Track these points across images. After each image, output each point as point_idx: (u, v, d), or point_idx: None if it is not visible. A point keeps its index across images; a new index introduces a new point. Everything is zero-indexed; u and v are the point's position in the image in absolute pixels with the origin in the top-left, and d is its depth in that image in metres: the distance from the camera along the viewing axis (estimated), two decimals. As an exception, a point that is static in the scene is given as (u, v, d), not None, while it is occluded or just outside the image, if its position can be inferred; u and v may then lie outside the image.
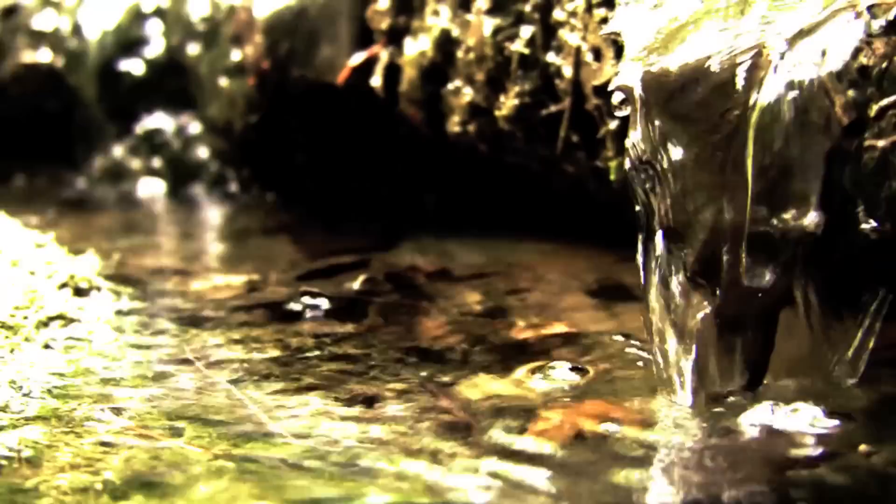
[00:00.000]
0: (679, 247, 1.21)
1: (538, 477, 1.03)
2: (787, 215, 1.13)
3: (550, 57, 1.82)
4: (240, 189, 2.83)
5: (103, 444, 1.12)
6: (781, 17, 1.19)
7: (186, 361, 1.41)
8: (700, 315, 1.19)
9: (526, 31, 1.86)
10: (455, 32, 2.01)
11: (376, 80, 2.27)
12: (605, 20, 1.65)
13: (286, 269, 1.97)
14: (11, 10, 3.14)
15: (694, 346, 1.20)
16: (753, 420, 1.14)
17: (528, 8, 1.85)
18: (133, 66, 2.91)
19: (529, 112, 1.90)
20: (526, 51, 1.86)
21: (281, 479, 1.03)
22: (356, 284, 1.79)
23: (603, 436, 1.14)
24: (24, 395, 1.25)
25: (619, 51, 1.57)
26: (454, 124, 2.08)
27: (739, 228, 1.15)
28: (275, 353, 1.45)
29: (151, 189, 2.92)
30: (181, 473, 1.04)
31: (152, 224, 2.60)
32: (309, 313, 1.64)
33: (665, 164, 1.20)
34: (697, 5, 1.25)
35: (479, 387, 1.31)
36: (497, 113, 1.96)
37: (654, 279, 1.28)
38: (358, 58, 2.31)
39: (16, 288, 1.50)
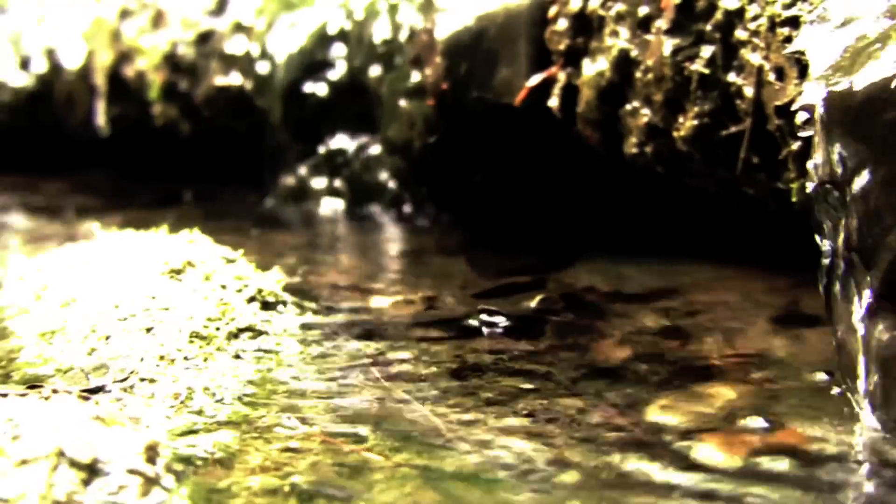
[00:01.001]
0: (865, 269, 1.18)
1: (726, 492, 1.03)
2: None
3: (731, 77, 1.80)
4: (417, 209, 2.88)
5: (290, 449, 1.16)
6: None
7: (368, 374, 1.44)
8: (886, 338, 1.16)
9: (706, 50, 1.84)
10: (634, 53, 2.01)
11: (553, 101, 2.28)
12: (788, 39, 1.62)
13: (462, 287, 1.99)
14: (206, 36, 3.28)
15: (881, 370, 1.18)
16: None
17: (709, 27, 1.83)
18: (317, 88, 3.00)
19: (709, 133, 1.89)
20: (706, 70, 1.84)
21: (461, 490, 1.05)
22: (532, 303, 1.81)
23: (788, 455, 1.13)
24: (217, 401, 1.30)
25: (802, 70, 1.55)
26: (631, 145, 2.07)
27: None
28: (453, 367, 1.48)
29: (332, 208, 3.00)
30: (364, 480, 1.08)
31: (333, 242, 2.66)
32: (486, 330, 1.67)
33: (851, 186, 1.18)
34: (887, 23, 1.23)
35: (657, 405, 1.30)
36: (675, 134, 1.95)
37: (839, 302, 1.25)
38: (536, 79, 2.33)
39: (209, 301, 1.57)
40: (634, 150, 2.06)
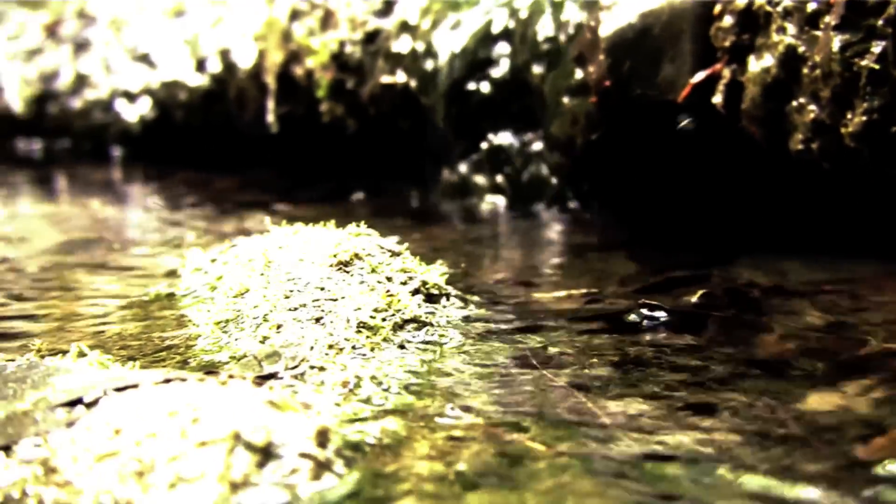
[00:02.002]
0: None
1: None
2: None
3: (904, 72, 1.76)
4: (579, 205, 2.88)
5: (454, 438, 1.19)
6: None
7: (530, 366, 1.46)
8: None
9: (877, 46, 1.80)
10: (801, 49, 1.98)
11: (717, 98, 2.26)
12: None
13: (623, 282, 1.99)
14: (373, 36, 3.34)
15: None
16: None
17: (880, 22, 1.79)
18: (481, 86, 3.03)
19: (878, 129, 1.84)
20: (876, 66, 1.80)
21: (621, 480, 1.06)
22: (693, 298, 1.80)
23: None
24: (384, 390, 1.34)
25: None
26: (797, 142, 2.04)
27: None
28: (614, 360, 1.49)
29: (494, 204, 3.03)
30: (526, 468, 1.09)
31: (495, 237, 2.69)
32: (647, 324, 1.66)
33: None
34: None
35: (819, 402, 1.28)
36: (843, 130, 1.91)
37: None
38: (700, 75, 2.31)
39: (375, 293, 1.61)
40: (800, 147, 2.03)
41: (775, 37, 2.05)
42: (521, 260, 2.40)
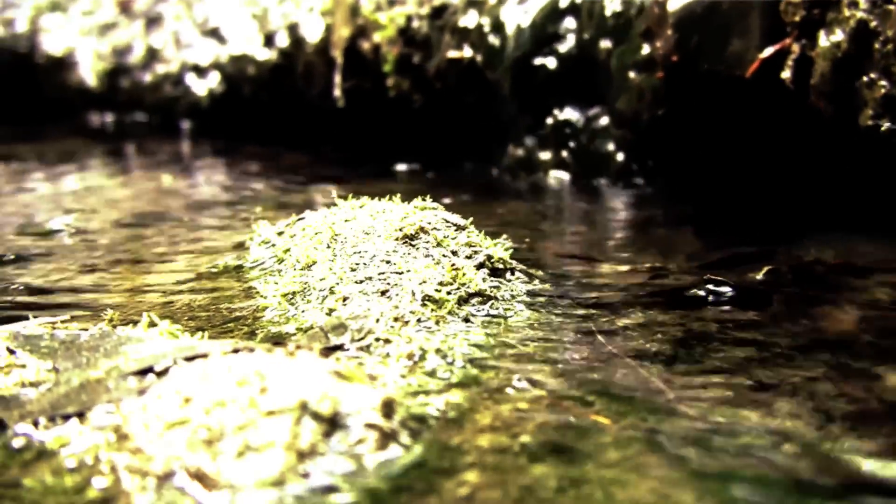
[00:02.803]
0: None
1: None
2: None
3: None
4: (643, 180, 2.87)
5: (519, 410, 1.19)
6: None
7: (594, 340, 1.46)
8: None
9: (950, 19, 1.77)
10: (873, 23, 1.95)
11: (786, 73, 2.24)
12: None
13: (689, 258, 1.99)
14: (440, 10, 3.34)
15: None
16: None
17: (953, -4, 1.76)
18: (547, 61, 3.02)
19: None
20: (949, 40, 1.77)
21: (685, 454, 1.06)
22: (759, 275, 1.79)
23: None
24: (449, 362, 1.35)
25: None
26: (867, 117, 2.01)
27: None
28: (678, 335, 1.48)
29: (559, 179, 3.02)
30: (590, 442, 1.10)
31: (560, 212, 2.68)
32: (712, 300, 1.66)
33: None
34: None
35: (888, 378, 1.27)
36: (914, 105, 1.88)
37: None
38: (769, 51, 2.28)
39: (440, 266, 1.62)
40: (870, 123, 2.00)
41: (846, 11, 2.02)
42: (586, 234, 2.39)
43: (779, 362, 1.35)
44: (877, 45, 1.96)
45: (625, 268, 1.91)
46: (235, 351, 1.22)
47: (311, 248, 1.77)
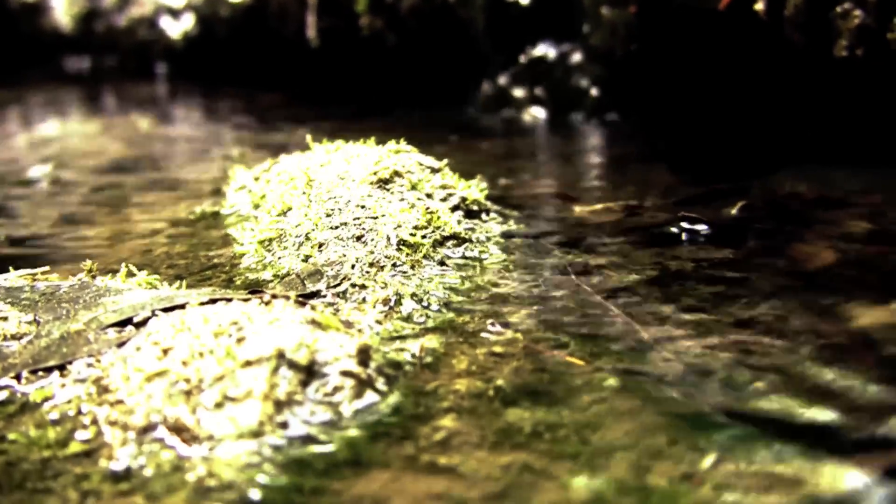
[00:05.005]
0: None
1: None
2: None
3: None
4: (618, 115, 2.87)
5: (494, 354, 1.21)
6: None
7: (570, 280, 1.48)
8: None
9: (923, -51, 1.77)
10: (846, -46, 1.95)
11: (760, 5, 2.23)
12: None
13: (663, 194, 1.99)
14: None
15: None
16: None
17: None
18: (520, -1, 3.01)
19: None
20: (922, -30, 1.77)
21: (660, 394, 1.08)
22: (734, 210, 1.80)
23: None
24: (424, 307, 1.36)
25: None
26: (841, 48, 2.02)
27: None
28: (653, 274, 1.49)
29: (533, 116, 3.02)
30: (565, 384, 1.11)
31: (535, 150, 2.68)
32: (687, 237, 1.67)
33: None
34: None
35: (863, 312, 1.28)
36: (889, 36, 1.88)
37: None
38: (742, -17, 2.28)
39: (415, 210, 1.62)
40: (844, 53, 2.00)
41: (820, -58, 2.01)
42: (561, 172, 2.40)
43: (754, 300, 1.36)
44: (850, -24, 1.96)
45: (599, 206, 1.92)
46: (212, 301, 1.23)
47: (286, 193, 1.78)
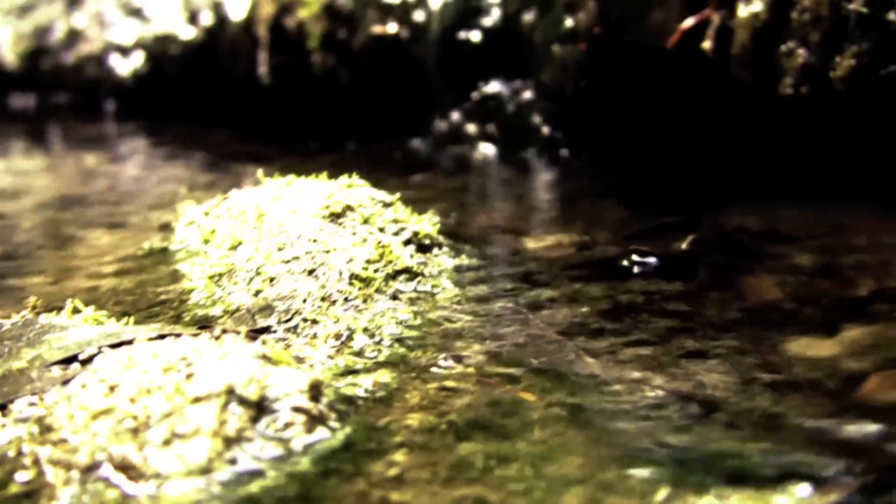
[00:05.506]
0: None
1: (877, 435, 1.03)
2: None
3: (892, 16, 1.76)
4: (569, 152, 2.88)
5: (446, 389, 1.20)
6: None
7: (522, 315, 1.47)
8: None
9: (866, -10, 1.80)
10: (790, -7, 1.97)
11: (707, 43, 2.26)
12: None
13: (614, 229, 2.00)
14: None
15: None
16: None
17: (868, -34, 1.79)
18: (471, 35, 3.02)
19: (866, 73, 1.84)
20: (864, 10, 1.80)
21: (612, 428, 1.07)
22: (684, 244, 1.81)
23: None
24: (377, 342, 1.35)
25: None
26: (786, 86, 2.04)
27: None
28: (605, 308, 1.49)
29: (485, 152, 3.03)
30: (518, 419, 1.11)
31: (487, 185, 2.69)
32: (638, 271, 1.67)
33: None
34: None
35: (810, 346, 1.29)
36: (832, 74, 1.91)
37: None
38: (689, 21, 2.30)
39: (367, 244, 1.61)
40: (789, 91, 2.03)
41: (765, -19, 2.04)
42: (513, 208, 2.40)
43: (706, 333, 1.36)
44: (794, 15, 1.98)
45: (551, 240, 1.92)
46: (161, 336, 1.21)
47: (236, 228, 1.76)
